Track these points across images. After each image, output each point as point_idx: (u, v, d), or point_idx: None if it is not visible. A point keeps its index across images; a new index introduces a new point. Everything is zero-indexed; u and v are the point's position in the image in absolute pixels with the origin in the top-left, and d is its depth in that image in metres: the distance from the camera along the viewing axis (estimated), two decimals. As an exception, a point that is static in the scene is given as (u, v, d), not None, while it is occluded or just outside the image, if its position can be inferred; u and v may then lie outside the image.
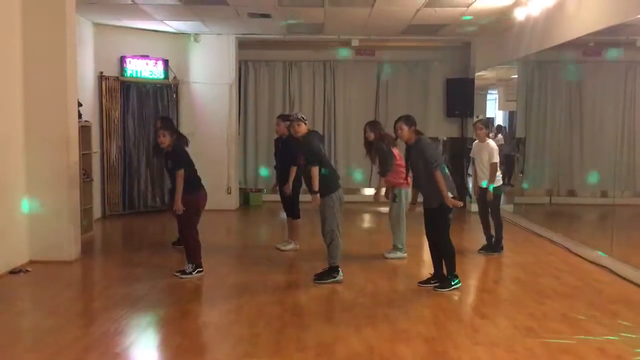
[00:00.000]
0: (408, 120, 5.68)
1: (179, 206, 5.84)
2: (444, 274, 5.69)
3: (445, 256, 5.65)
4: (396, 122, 5.77)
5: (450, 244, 5.63)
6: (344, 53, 11.40)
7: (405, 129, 5.63)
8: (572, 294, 5.56)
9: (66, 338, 4.37)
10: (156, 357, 4.20)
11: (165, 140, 5.91)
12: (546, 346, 4.21)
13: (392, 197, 6.74)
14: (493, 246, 7.14)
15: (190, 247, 6.04)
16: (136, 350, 4.29)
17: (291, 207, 7.28)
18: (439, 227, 5.60)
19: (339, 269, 5.88)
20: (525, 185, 9.79)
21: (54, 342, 4.27)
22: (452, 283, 5.59)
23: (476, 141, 7.28)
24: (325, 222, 5.83)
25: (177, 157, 5.93)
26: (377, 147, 6.62)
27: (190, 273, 6.00)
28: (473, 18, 8.90)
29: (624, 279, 6.00)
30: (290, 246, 7.33)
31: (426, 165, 5.46)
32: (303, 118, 5.99)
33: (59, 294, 5.58)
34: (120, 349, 4.23)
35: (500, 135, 11.31)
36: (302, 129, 5.94)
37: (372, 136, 6.71)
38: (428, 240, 5.81)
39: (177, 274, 6.00)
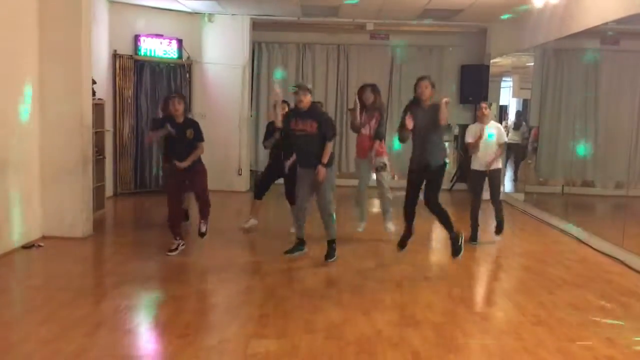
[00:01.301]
0: (431, 80, 5.87)
1: (186, 164, 5.98)
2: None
3: (441, 217, 5.84)
4: (421, 79, 5.84)
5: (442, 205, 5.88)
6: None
7: (429, 88, 5.79)
8: (582, 284, 5.54)
9: (78, 313, 4.43)
10: (165, 335, 4.24)
11: (180, 107, 6.04)
12: (555, 335, 4.21)
13: (382, 166, 6.62)
14: (499, 229, 7.09)
15: (209, 205, 6.29)
16: (146, 328, 4.35)
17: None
18: (439, 186, 5.81)
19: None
20: (537, 174, 9.72)
21: (66, 316, 4.33)
22: (459, 243, 5.74)
23: (475, 124, 6.97)
24: (325, 193, 5.87)
25: (199, 130, 6.14)
26: (381, 112, 6.69)
27: (206, 230, 6.31)
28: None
29: (635, 270, 5.97)
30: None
31: (436, 127, 5.64)
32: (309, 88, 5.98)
33: (71, 270, 5.65)
34: (130, 325, 4.28)
35: (524, 124, 11.02)
36: (309, 99, 5.87)
37: (371, 98, 6.66)
38: (411, 202, 5.91)
39: (200, 236, 6.29)
